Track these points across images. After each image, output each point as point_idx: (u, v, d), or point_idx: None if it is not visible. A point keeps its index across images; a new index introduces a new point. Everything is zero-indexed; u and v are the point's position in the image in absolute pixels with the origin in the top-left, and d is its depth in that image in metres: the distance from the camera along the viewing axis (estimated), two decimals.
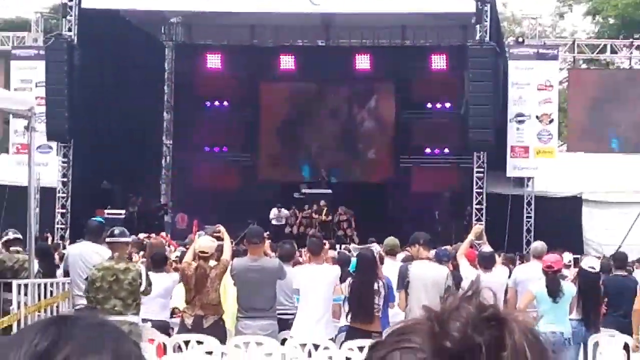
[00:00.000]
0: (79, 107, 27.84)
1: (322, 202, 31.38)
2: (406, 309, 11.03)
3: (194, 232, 23.79)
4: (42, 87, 28.77)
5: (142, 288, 10.52)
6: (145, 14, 31.25)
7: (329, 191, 32.61)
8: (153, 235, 22.96)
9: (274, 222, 31.20)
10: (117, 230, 11.05)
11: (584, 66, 41.34)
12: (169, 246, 19.38)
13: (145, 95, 33.56)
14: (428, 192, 33.77)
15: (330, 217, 31.17)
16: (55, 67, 27.84)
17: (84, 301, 11.54)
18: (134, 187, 32.23)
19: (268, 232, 18.39)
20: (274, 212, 31.56)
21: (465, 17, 28.79)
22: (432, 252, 13.34)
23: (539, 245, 13.69)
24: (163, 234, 25.98)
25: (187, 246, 14.85)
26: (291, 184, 34.27)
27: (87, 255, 12.01)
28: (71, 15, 28.23)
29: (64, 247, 19.21)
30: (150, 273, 11.50)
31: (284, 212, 31.59)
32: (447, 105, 35.10)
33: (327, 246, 12.83)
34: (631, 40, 34.82)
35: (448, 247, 16.34)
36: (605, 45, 33.73)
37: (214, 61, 36.20)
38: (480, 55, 26.92)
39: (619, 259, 14.41)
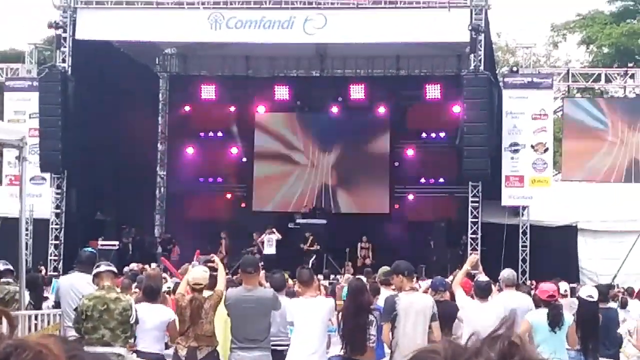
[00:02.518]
0: (72, 138, 27.73)
1: (308, 234, 31.38)
2: (392, 342, 10.92)
3: (196, 259, 23.65)
4: (35, 118, 28.66)
5: (133, 320, 10.39)
6: (140, 45, 31.27)
7: (324, 221, 32.54)
8: (151, 266, 22.85)
9: (266, 248, 30.90)
10: (102, 263, 10.95)
11: (578, 95, 41.40)
12: (170, 277, 19.24)
13: (140, 126, 33.53)
14: (423, 221, 33.71)
15: (315, 247, 31.18)
16: (48, 98, 27.75)
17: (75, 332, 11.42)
18: (128, 218, 32.14)
19: (262, 262, 18.27)
20: (265, 236, 31.28)
21: (460, 46, 28.84)
22: (429, 282, 13.24)
23: (510, 273, 13.58)
24: (154, 265, 25.85)
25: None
26: (286, 214, 34.27)
27: (78, 286, 11.90)
28: (65, 47, 28.19)
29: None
30: (144, 304, 11.36)
31: (275, 235, 31.23)
32: (442, 134, 35.11)
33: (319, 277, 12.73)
34: (625, 69, 34.83)
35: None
36: (599, 74, 33.74)
37: (208, 92, 36.17)
38: (474, 85, 26.89)
39: (602, 292, 14.04)
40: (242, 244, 31.69)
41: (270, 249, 30.95)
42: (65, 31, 28.14)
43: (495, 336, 1.30)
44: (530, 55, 32.10)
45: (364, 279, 16.20)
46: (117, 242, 29.49)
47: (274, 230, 31.24)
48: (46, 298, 13.31)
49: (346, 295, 11.75)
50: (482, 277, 12.66)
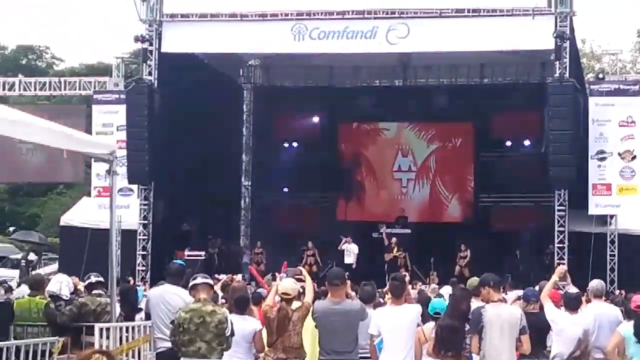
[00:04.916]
0: (159, 149, 28.11)
1: (394, 240, 31.19)
2: (480, 354, 10.84)
3: (283, 271, 23.79)
4: (123, 130, 29.11)
5: (228, 332, 10.44)
6: (224, 57, 31.56)
7: (408, 231, 32.45)
8: (236, 277, 23.00)
9: (345, 258, 30.93)
10: (199, 275, 11.03)
11: None
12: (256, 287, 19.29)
13: (224, 137, 33.85)
14: (508, 231, 33.40)
15: (400, 254, 30.93)
16: (135, 110, 28.16)
17: (165, 344, 11.52)
18: (213, 228, 32.40)
19: (348, 273, 18.27)
20: (343, 246, 31.35)
21: (544, 54, 28.53)
22: (519, 292, 13.09)
23: (599, 284, 13.36)
24: (239, 275, 26.01)
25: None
26: (370, 224, 34.22)
27: (168, 298, 12.01)
28: (151, 60, 28.57)
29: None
30: (234, 316, 11.44)
31: (354, 246, 31.28)
32: (527, 143, 34.86)
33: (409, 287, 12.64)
34: None
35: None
36: None
37: (292, 102, 36.29)
38: (559, 92, 26.60)
39: None
40: (327, 256, 31.79)
41: (349, 259, 30.96)
42: (151, 44, 28.52)
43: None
44: (616, 61, 31.63)
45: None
46: (203, 253, 29.76)
47: (351, 239, 31.27)
48: (140, 309, 13.43)
49: (449, 303, 11.64)
50: (572, 289, 12.51)
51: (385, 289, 17.31)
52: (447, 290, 18.37)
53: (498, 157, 35.60)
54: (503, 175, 35.19)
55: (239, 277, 24.84)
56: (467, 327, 10.80)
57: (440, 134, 36.62)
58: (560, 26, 26.55)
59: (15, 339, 11.60)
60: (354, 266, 30.22)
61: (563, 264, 23.57)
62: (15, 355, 10.23)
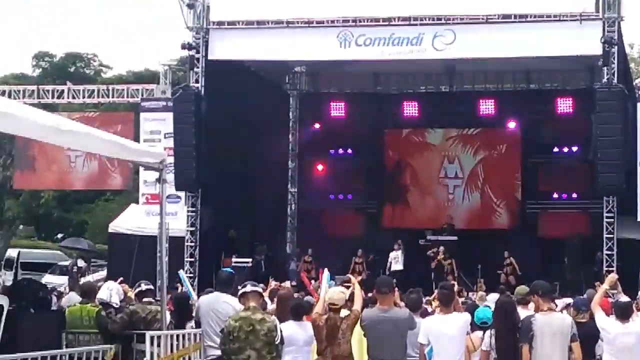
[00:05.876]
0: (206, 157, 28.21)
1: (442, 248, 31.10)
2: None
3: (320, 281, 23.72)
4: (170, 138, 29.28)
5: (278, 340, 10.46)
6: (270, 64, 31.61)
7: (455, 238, 32.29)
8: (285, 284, 22.99)
9: (394, 266, 30.93)
10: (249, 283, 11.07)
11: None
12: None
13: (271, 144, 33.92)
14: (556, 238, 33.15)
15: (447, 261, 30.79)
16: (183, 118, 28.30)
17: (215, 352, 11.55)
18: (260, 235, 32.48)
19: (396, 281, 18.22)
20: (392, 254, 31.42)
21: (592, 59, 28.32)
22: (567, 300, 12.98)
23: None
24: (287, 283, 26.01)
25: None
26: (416, 230, 34.15)
27: (218, 306, 12.06)
28: (198, 67, 28.70)
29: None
30: (291, 323, 11.47)
31: (400, 253, 31.27)
32: (575, 149, 34.57)
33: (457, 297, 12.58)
34: None
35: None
36: None
37: (337, 109, 36.35)
38: (607, 98, 26.42)
39: None
40: (374, 261, 31.78)
41: (396, 266, 30.95)
42: (198, 52, 28.66)
43: None
44: None
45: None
46: (249, 259, 29.80)
47: (398, 246, 31.26)
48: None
49: (494, 313, 11.63)
50: (623, 297, 12.39)
51: (432, 297, 17.27)
52: (494, 297, 18.29)
53: (545, 164, 35.37)
54: (550, 182, 35.00)
55: (286, 284, 24.84)
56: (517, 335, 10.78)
57: (486, 141, 36.41)
58: (608, 31, 26.38)
59: (67, 346, 11.69)
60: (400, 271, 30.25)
61: (613, 271, 23.35)
62: None
